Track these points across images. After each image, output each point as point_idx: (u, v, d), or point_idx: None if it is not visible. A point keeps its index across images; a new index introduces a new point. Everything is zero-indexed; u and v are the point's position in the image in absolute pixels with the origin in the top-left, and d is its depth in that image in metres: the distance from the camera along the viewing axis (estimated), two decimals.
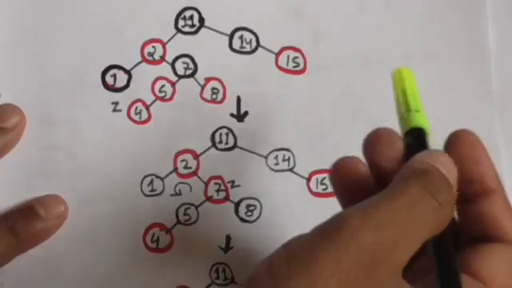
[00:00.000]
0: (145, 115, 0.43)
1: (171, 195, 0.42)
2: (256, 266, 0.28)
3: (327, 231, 0.28)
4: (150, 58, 0.43)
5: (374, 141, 0.32)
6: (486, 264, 0.30)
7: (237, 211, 0.42)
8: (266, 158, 0.43)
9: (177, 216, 0.42)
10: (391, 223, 0.28)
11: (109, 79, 0.43)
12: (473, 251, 0.30)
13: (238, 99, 0.43)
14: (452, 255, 0.29)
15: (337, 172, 0.33)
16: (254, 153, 0.43)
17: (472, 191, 0.31)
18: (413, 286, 0.28)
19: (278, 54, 0.44)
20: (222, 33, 0.43)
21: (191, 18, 0.43)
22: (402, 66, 0.35)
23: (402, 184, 0.29)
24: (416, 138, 0.32)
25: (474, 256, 0.30)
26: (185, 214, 0.42)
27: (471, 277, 0.29)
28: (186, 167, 0.42)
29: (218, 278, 0.41)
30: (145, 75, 0.43)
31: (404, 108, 0.33)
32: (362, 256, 0.27)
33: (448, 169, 0.30)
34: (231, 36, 0.43)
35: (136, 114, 0.43)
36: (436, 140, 0.44)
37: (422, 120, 0.33)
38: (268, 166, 0.43)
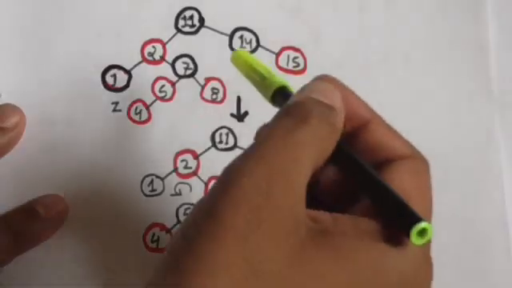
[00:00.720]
0: (145, 115, 0.43)
1: (171, 195, 0.42)
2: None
3: (218, 181, 0.29)
4: (150, 58, 0.43)
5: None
6: (398, 179, 0.31)
7: None
8: None
9: (177, 216, 0.42)
10: (271, 151, 0.29)
11: (109, 79, 0.43)
12: (380, 172, 0.31)
13: (238, 99, 0.43)
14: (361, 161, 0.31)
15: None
16: None
17: (351, 125, 0.32)
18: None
19: (278, 54, 0.44)
20: (222, 33, 0.43)
21: (191, 17, 0.43)
22: (236, 51, 0.37)
23: (271, 122, 0.31)
24: (283, 94, 0.33)
25: (384, 175, 0.31)
26: (185, 214, 0.42)
27: None
28: (186, 167, 0.42)
29: None
30: (145, 75, 0.43)
31: (259, 78, 0.34)
32: (257, 190, 0.27)
33: (323, 91, 0.31)
34: (231, 36, 0.43)
35: (136, 113, 0.43)
36: (434, 138, 0.45)
37: (279, 80, 0.34)
38: None
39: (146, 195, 0.42)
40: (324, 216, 0.29)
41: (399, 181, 0.31)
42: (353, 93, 0.33)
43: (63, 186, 0.42)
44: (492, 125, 0.44)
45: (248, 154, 0.29)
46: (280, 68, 0.43)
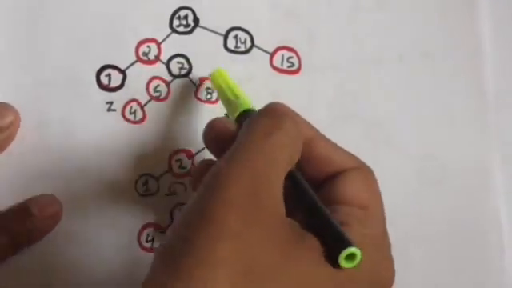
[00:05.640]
0: (139, 115, 0.43)
1: (166, 195, 0.42)
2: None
3: (206, 185, 0.31)
4: (145, 58, 0.43)
5: (210, 132, 0.36)
6: (351, 189, 0.34)
7: None
8: None
9: (171, 216, 0.42)
10: (254, 154, 0.31)
11: (103, 79, 0.43)
12: (332, 184, 0.34)
13: None
14: (307, 186, 0.33)
15: (209, 130, 0.36)
16: None
17: None
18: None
19: (272, 54, 0.44)
20: (216, 32, 0.43)
21: (186, 17, 0.43)
22: (217, 68, 0.42)
23: (250, 125, 0.33)
24: (248, 116, 0.36)
25: (335, 187, 0.34)
26: None
27: (341, 204, 0.33)
28: (180, 167, 0.42)
29: None
30: (140, 75, 0.43)
31: (229, 98, 0.39)
32: (245, 191, 0.30)
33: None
34: (226, 36, 0.43)
35: (131, 113, 0.43)
36: (429, 139, 0.45)
37: (247, 103, 0.37)
38: None
39: (141, 195, 0.42)
40: (296, 223, 0.31)
41: (353, 190, 0.34)
42: (295, 113, 0.35)
43: (57, 185, 0.42)
44: (487, 125, 0.44)
45: (232, 157, 0.31)
46: (274, 68, 0.44)
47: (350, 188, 0.34)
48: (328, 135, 0.43)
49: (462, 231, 0.44)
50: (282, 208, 0.31)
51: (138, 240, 0.42)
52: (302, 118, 0.35)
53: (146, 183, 0.42)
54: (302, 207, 0.32)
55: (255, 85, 0.43)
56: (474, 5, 0.45)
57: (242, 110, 0.37)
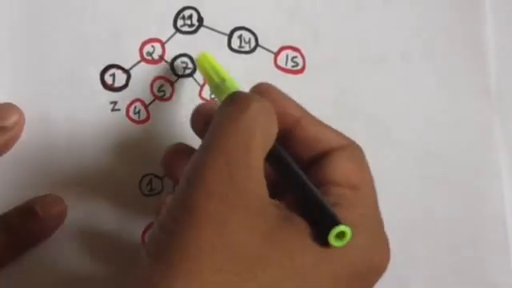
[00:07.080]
0: (144, 114, 0.43)
1: None
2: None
3: (186, 178, 0.31)
4: (149, 58, 0.43)
5: (197, 117, 0.37)
6: (339, 168, 0.33)
7: None
8: None
9: None
10: (225, 141, 0.31)
11: (108, 78, 0.43)
12: (321, 164, 0.34)
13: None
14: (291, 162, 0.33)
15: (196, 115, 0.37)
16: None
17: (284, 126, 0.34)
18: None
19: (276, 54, 0.44)
20: (220, 32, 0.43)
21: (190, 17, 0.43)
22: (203, 52, 0.41)
23: (218, 113, 0.33)
24: None
25: (324, 167, 0.34)
26: None
27: (331, 185, 0.33)
28: None
29: None
30: (144, 75, 0.43)
31: (216, 82, 0.38)
32: (221, 180, 0.30)
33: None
34: (230, 35, 0.43)
35: (135, 113, 0.43)
36: (432, 137, 0.45)
37: (234, 85, 0.37)
38: None
39: (145, 195, 0.42)
40: (282, 205, 0.32)
41: (342, 170, 0.33)
42: (282, 93, 0.36)
43: (62, 185, 0.42)
44: (490, 124, 0.44)
45: (205, 146, 0.32)
46: (279, 68, 0.44)
47: (340, 168, 0.33)
48: None
49: (465, 230, 0.44)
50: (263, 190, 0.31)
51: (142, 240, 0.42)
52: (288, 99, 0.35)
53: (150, 183, 0.42)
54: (289, 186, 0.32)
55: None
56: (477, 4, 0.44)
57: (228, 92, 0.35)
